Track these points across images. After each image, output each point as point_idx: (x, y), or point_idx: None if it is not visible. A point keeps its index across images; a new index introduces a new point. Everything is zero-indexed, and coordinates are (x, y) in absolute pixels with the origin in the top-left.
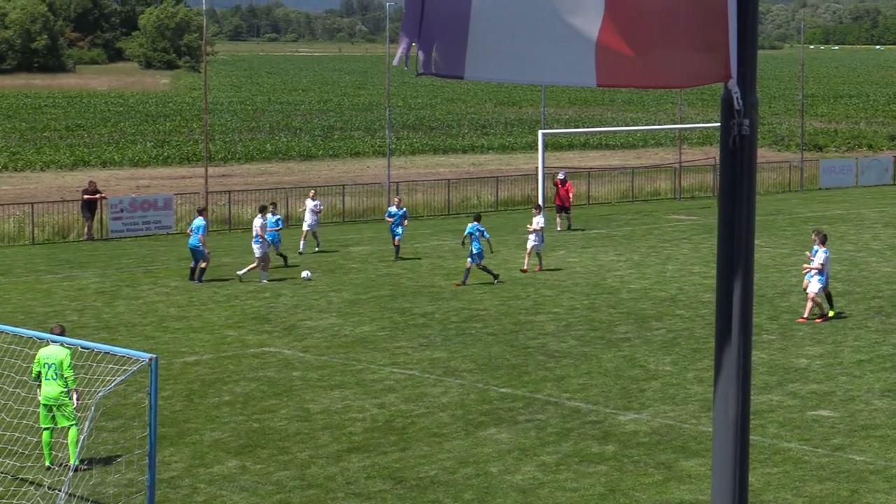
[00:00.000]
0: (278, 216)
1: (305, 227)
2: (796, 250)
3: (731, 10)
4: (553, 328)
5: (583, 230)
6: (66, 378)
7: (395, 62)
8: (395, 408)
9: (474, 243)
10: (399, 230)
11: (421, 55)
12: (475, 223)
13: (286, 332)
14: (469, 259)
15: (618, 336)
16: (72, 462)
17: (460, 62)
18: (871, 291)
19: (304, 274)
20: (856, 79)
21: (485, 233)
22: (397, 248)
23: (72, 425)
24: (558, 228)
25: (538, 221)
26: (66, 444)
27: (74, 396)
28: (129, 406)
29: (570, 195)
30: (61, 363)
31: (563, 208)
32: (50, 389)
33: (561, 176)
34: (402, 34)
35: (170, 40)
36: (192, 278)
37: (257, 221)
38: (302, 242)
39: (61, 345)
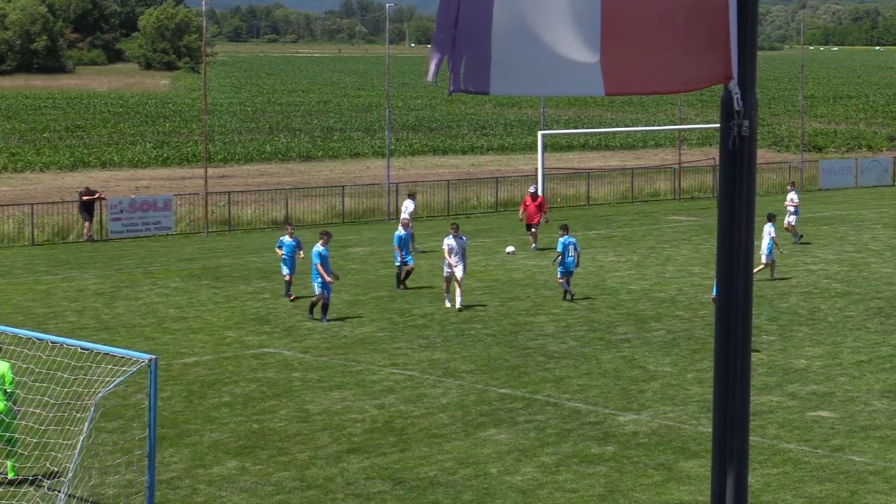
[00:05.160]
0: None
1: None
2: (796, 251)
3: (731, 11)
4: (553, 329)
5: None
6: (10, 393)
7: (428, 78)
8: (395, 409)
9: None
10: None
11: (452, 72)
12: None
13: (286, 333)
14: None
15: (617, 337)
16: None
17: (486, 78)
18: (871, 292)
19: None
20: (855, 80)
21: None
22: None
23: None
24: (532, 247)
25: (768, 231)
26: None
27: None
28: (129, 407)
29: (545, 210)
30: (2, 377)
31: (531, 225)
32: None
33: (532, 189)
34: (433, 49)
35: (169, 41)
36: (313, 314)
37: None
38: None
39: (2, 358)
